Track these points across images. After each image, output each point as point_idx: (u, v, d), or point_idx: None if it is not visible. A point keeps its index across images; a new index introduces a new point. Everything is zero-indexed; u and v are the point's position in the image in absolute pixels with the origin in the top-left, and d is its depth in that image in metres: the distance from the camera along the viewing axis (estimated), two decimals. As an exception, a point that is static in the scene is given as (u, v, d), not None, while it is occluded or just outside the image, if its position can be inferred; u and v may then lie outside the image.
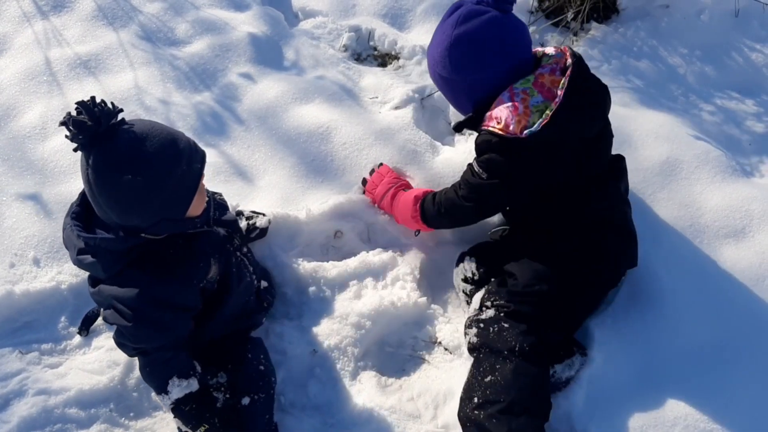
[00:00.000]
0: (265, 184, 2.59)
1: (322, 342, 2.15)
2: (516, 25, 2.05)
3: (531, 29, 3.06)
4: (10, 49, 3.14)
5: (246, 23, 3.23)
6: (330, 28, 3.28)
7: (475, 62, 2.01)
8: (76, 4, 3.32)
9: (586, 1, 3.04)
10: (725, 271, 2.28)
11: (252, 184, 2.59)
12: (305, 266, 2.31)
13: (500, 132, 1.94)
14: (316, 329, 2.18)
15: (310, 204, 2.46)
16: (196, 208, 1.76)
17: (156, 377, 1.80)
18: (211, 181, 2.57)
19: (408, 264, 2.34)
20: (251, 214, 2.32)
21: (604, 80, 2.85)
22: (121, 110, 1.63)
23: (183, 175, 1.65)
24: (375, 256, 2.35)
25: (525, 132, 1.90)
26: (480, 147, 2.04)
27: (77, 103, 1.58)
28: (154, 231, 1.68)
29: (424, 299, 2.25)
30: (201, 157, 1.73)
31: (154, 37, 3.19)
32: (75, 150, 1.60)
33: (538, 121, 1.90)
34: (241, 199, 2.51)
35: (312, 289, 2.27)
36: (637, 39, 3.05)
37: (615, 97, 2.80)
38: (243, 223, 2.27)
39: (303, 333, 2.18)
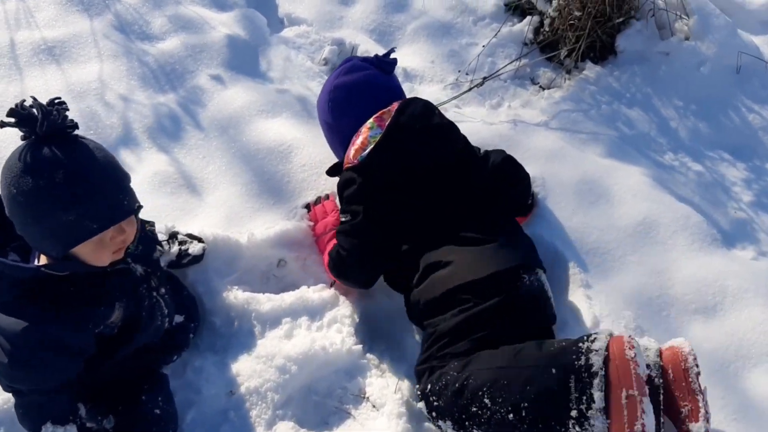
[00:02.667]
0: (213, 200, 2.43)
1: (241, 383, 1.98)
2: (391, 86, 2.27)
3: (523, 62, 2.90)
4: (-24, 26, 2.99)
5: (225, 24, 3.08)
6: (312, 39, 3.13)
7: (349, 110, 2.22)
8: (52, -15, 3.17)
9: (581, 39, 2.86)
10: (689, 351, 2.10)
11: (199, 199, 2.43)
12: (238, 296, 2.14)
13: (347, 165, 2.13)
14: (237, 368, 2.01)
15: (255, 227, 2.30)
16: (90, 257, 1.58)
17: (29, 420, 1.65)
18: (156, 192, 2.42)
19: (349, 305, 2.17)
20: (185, 238, 2.15)
21: (590, 125, 2.75)
22: (74, 127, 1.50)
23: (65, 224, 1.47)
24: (315, 293, 2.18)
25: (358, 158, 2.08)
26: (338, 187, 2.18)
27: (32, 97, 1.45)
28: (54, 267, 1.54)
29: (359, 347, 2.08)
30: (110, 218, 1.53)
31: (128, 29, 3.04)
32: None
33: (369, 148, 2.07)
34: (183, 214, 2.36)
35: (239, 322, 2.10)
36: (631, 85, 2.87)
37: (598, 146, 2.66)
38: (175, 249, 2.11)
39: (223, 370, 2.01)
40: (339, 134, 2.27)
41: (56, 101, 1.46)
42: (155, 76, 2.85)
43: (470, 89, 2.85)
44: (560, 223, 2.39)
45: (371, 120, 2.13)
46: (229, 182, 2.48)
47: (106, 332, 1.67)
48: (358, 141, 2.11)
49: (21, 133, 1.45)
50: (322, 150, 2.52)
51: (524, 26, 3.10)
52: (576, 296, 2.24)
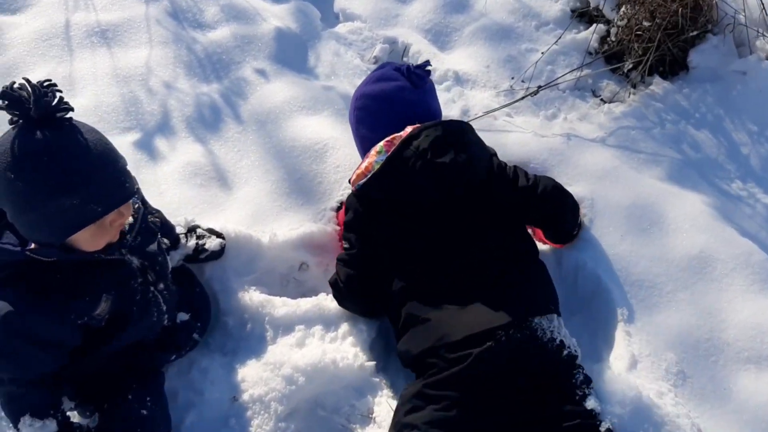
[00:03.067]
0: (242, 195, 2.36)
1: (246, 389, 1.89)
2: (418, 103, 2.08)
3: (584, 72, 2.71)
4: (36, 5, 3.02)
5: (278, 16, 3.02)
6: (365, 36, 3.02)
7: (370, 122, 2.10)
8: (114, -30, 3.18)
9: (650, 52, 2.65)
10: (737, 404, 1.89)
11: (228, 193, 2.37)
12: (253, 297, 2.06)
13: (352, 188, 2.02)
14: (243, 373, 1.92)
15: (279, 228, 2.21)
16: (88, 244, 1.52)
17: (8, 411, 1.60)
18: (186, 183, 2.37)
19: (367, 321, 2.06)
20: (204, 233, 2.08)
21: (651, 145, 2.53)
22: (68, 109, 1.43)
23: (69, 208, 1.41)
24: (333, 302, 2.07)
25: (356, 185, 1.97)
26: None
27: (24, 78, 1.39)
28: (40, 252, 1.48)
29: (371, 364, 1.96)
30: (113, 200, 1.48)
31: (181, 16, 3.01)
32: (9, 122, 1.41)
33: (369, 175, 1.94)
34: (210, 208, 2.30)
35: (252, 325, 2.02)
36: (701, 104, 2.64)
37: (658, 168, 2.45)
38: (192, 242, 2.05)
39: (229, 374, 1.93)
40: (360, 144, 2.18)
41: (47, 83, 1.39)
42: (201, 65, 2.80)
43: (524, 97, 2.69)
44: (606, 248, 2.21)
45: (381, 143, 1.98)
46: (260, 178, 2.40)
47: (93, 324, 1.61)
48: (363, 165, 1.99)
49: (9, 117, 1.39)
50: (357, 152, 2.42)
51: (589, 34, 2.90)
52: (615, 330, 2.05)
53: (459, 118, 2.51)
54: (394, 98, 2.07)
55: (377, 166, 1.94)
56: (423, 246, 1.94)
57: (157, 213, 1.92)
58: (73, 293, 1.53)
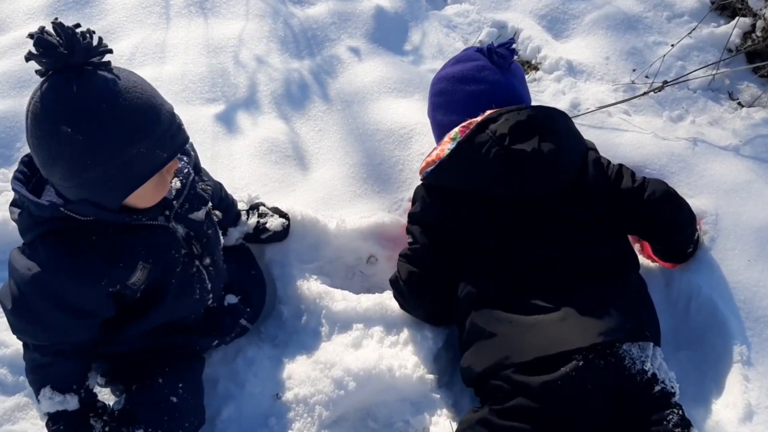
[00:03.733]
0: (317, 177, 2.18)
1: (291, 387, 1.70)
2: (502, 85, 1.81)
3: (722, 70, 2.34)
4: (143, -27, 3.00)
5: (383, -5, 2.83)
6: (472, 19, 2.77)
7: (446, 107, 1.87)
8: (222, -58, 3.11)
9: (805, 49, 2.24)
10: None
11: (302, 174, 2.20)
12: (312, 287, 1.87)
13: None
14: (291, 369, 1.74)
15: (349, 214, 2.02)
16: (146, 199, 1.40)
17: (30, 379, 1.49)
18: (260, 159, 2.22)
19: (434, 328, 1.82)
20: (267, 211, 1.92)
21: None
22: (110, 51, 1.29)
23: (136, 157, 1.28)
24: (398, 302, 1.86)
25: (423, 174, 1.78)
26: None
27: (54, 22, 1.25)
28: (76, 209, 1.34)
29: (432, 378, 1.72)
30: (176, 145, 1.35)
31: (282, -10, 2.89)
32: (37, 72, 1.28)
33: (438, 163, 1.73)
34: (281, 187, 2.14)
35: (307, 317, 1.83)
36: None
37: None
38: (253, 220, 1.89)
39: (276, 368, 1.75)
40: (436, 132, 1.95)
41: (76, 25, 1.25)
42: (295, 41, 2.66)
43: (646, 93, 2.34)
44: (727, 274, 1.85)
45: (456, 129, 1.74)
46: (338, 161, 2.22)
47: (127, 294, 1.47)
48: (434, 152, 1.77)
49: (38, 67, 1.25)
50: (448, 140, 2.19)
51: (730, 28, 2.50)
52: (729, 372, 1.70)
53: (567, 111, 2.19)
54: (473, 78, 1.84)
55: (448, 153, 1.71)
56: (494, 247, 1.67)
57: (214, 183, 1.76)
58: (108, 257, 1.40)
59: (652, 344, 1.54)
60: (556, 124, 1.72)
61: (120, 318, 1.51)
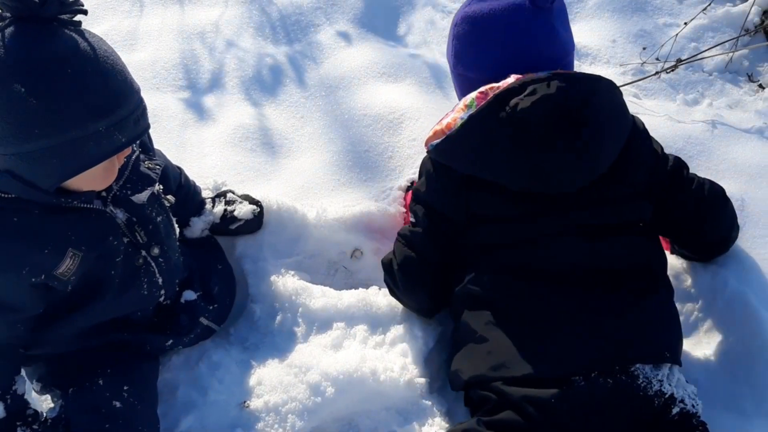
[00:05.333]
0: (296, 166, 1.98)
1: (260, 395, 1.48)
2: (541, 32, 1.45)
3: (740, 51, 2.15)
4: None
5: (371, -21, 2.65)
6: (467, 3, 2.59)
7: (468, 56, 1.52)
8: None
9: (832, 23, 2.04)
10: None
11: (280, 162, 1.99)
12: (288, 283, 1.65)
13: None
14: (261, 374, 1.51)
15: (331, 203, 1.81)
16: (88, 184, 1.22)
17: None
18: (233, 147, 2.02)
19: (426, 324, 1.60)
20: (236, 198, 1.71)
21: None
22: (84, 11, 1.13)
23: (93, 137, 1.11)
24: (384, 297, 1.64)
25: (429, 145, 1.47)
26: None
27: None
28: None
29: (422, 382, 1.49)
30: (138, 130, 1.19)
31: (266, -22, 2.72)
32: None
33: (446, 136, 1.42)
34: (255, 176, 1.94)
35: (282, 316, 1.61)
36: None
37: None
38: (219, 209, 1.68)
39: (244, 373, 1.52)
40: (458, 89, 1.61)
41: None
42: (274, 27, 2.47)
43: (658, 73, 2.15)
44: (760, 266, 1.63)
45: (474, 94, 1.43)
46: (321, 148, 2.01)
47: (58, 287, 1.25)
48: (445, 120, 1.45)
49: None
50: (441, 124, 1.99)
51: (748, 7, 2.31)
52: (766, 374, 1.47)
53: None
54: (504, 21, 1.46)
55: (457, 127, 1.42)
56: (502, 246, 1.43)
57: (171, 167, 1.56)
58: (30, 241, 1.19)
59: (669, 365, 1.31)
60: (597, 103, 1.37)
61: (53, 315, 1.29)
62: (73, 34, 1.10)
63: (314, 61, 2.32)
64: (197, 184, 1.73)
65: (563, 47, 1.50)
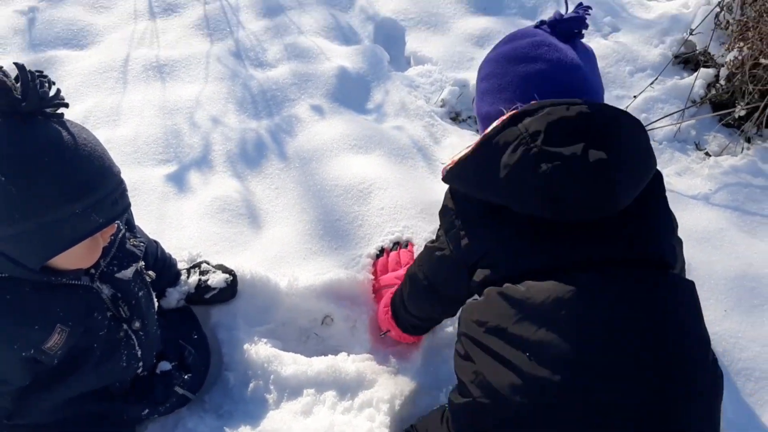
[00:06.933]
0: (270, 235, 2.07)
1: (231, 463, 1.54)
2: (563, 65, 1.38)
3: (687, 120, 2.30)
4: (104, 42, 2.97)
5: (343, 56, 2.80)
6: (434, 78, 2.75)
7: (491, 93, 1.45)
8: (186, 10, 3.11)
9: (768, 97, 2.20)
10: None
11: (255, 232, 2.09)
12: (260, 351, 1.73)
13: None
14: (233, 442, 1.58)
15: (302, 272, 1.90)
16: (73, 262, 1.29)
17: None
18: (210, 218, 2.11)
19: (391, 387, 1.67)
20: (210, 268, 1.80)
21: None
22: (65, 104, 1.23)
23: (70, 219, 1.18)
24: (352, 363, 1.71)
25: (444, 171, 1.41)
26: None
27: (16, 63, 1.19)
28: None
29: (388, 445, 1.57)
30: (116, 211, 1.26)
31: (243, 55, 2.86)
32: None
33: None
34: (231, 246, 2.02)
35: (255, 384, 1.68)
36: (836, 160, 2.15)
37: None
38: (194, 279, 1.76)
39: (217, 441, 1.59)
40: (482, 128, 1.50)
41: (38, 72, 1.18)
42: (254, 102, 2.61)
43: (609, 145, 2.28)
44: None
45: (497, 122, 1.34)
46: (294, 218, 2.11)
47: (43, 360, 1.32)
48: (467, 150, 1.37)
49: None
50: (406, 195, 2.11)
51: (694, 79, 2.48)
52: None
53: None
54: (526, 57, 1.41)
55: (471, 149, 1.34)
56: (511, 278, 1.27)
57: (149, 241, 1.65)
58: (20, 318, 1.26)
59: None
60: (619, 131, 1.27)
61: (36, 386, 1.36)
62: (55, 125, 1.19)
63: (289, 135, 2.45)
64: (174, 255, 1.81)
65: (589, 84, 1.42)
